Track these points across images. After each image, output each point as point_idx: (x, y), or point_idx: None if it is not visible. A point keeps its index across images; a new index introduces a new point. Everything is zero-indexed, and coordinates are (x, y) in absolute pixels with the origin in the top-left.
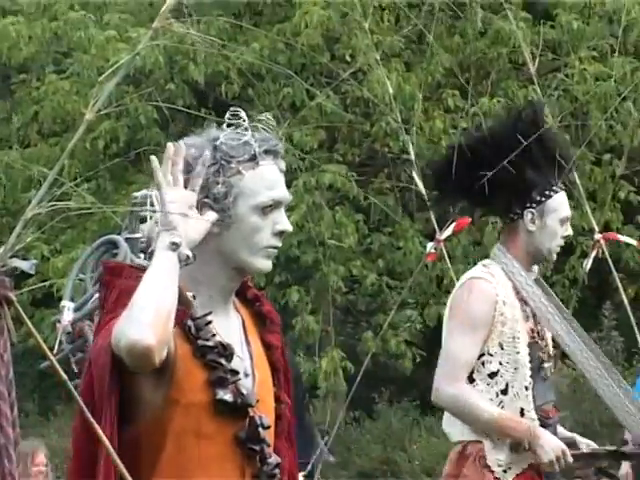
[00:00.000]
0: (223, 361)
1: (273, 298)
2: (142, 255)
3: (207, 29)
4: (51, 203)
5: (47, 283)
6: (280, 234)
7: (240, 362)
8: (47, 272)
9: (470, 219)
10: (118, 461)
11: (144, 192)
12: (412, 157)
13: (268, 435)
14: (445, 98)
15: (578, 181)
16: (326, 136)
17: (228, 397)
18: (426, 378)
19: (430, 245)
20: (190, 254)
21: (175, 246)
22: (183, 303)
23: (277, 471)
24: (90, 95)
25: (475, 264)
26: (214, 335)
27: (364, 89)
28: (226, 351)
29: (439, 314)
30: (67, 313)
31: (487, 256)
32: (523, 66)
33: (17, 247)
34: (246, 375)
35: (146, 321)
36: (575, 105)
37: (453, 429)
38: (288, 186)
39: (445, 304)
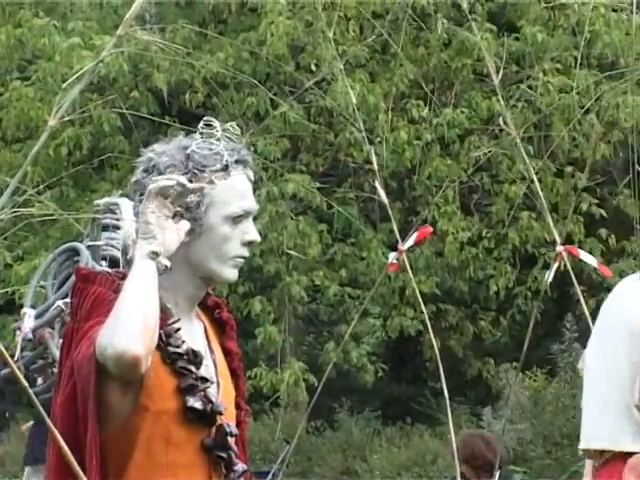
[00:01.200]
0: (193, 368)
1: (236, 308)
2: (103, 262)
3: (173, 37)
4: (13, 210)
5: (9, 290)
6: (249, 244)
7: (206, 370)
8: (9, 279)
9: (432, 229)
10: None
11: (107, 200)
12: (375, 167)
13: (234, 442)
14: (409, 109)
15: (541, 193)
16: (290, 145)
17: (198, 405)
18: (387, 389)
19: (392, 255)
20: (168, 264)
21: (155, 255)
22: (162, 311)
23: (242, 479)
24: (54, 102)
25: (436, 275)
26: (183, 342)
27: (328, 99)
28: (196, 358)
29: (401, 326)
30: (28, 320)
31: (448, 267)
32: (487, 77)
33: None
34: (211, 383)
35: (134, 331)
36: (538, 117)
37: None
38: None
39: (406, 315)
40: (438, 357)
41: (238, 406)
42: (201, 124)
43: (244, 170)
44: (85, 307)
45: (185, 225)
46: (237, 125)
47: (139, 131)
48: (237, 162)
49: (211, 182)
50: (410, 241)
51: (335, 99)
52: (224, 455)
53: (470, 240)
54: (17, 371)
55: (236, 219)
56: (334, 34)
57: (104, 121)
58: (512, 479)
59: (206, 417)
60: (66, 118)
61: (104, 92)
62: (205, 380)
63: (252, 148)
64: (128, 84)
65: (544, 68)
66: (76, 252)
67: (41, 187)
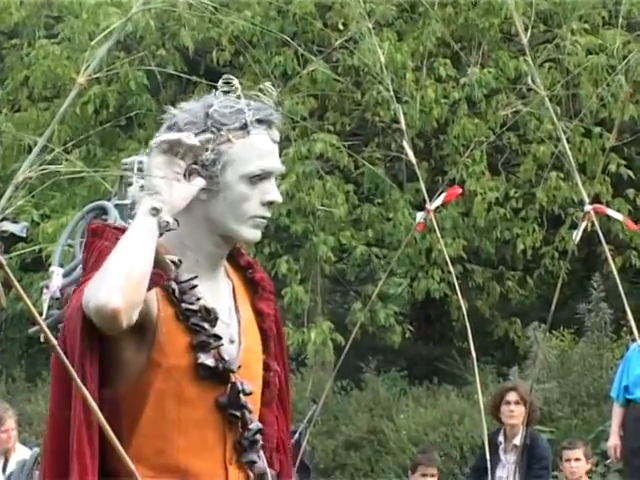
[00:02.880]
0: (206, 325)
1: (263, 268)
2: (131, 221)
3: None
4: (42, 167)
5: (36, 248)
6: (269, 204)
7: (225, 328)
8: (36, 237)
9: (460, 189)
10: (101, 417)
11: (134, 158)
12: (403, 126)
13: (250, 401)
14: (437, 67)
15: (569, 153)
16: (317, 105)
17: (209, 362)
18: (414, 349)
19: (420, 215)
20: (171, 220)
21: (155, 211)
22: (161, 266)
23: (258, 437)
24: (80, 60)
25: (463, 236)
26: (198, 299)
27: (356, 57)
28: (209, 315)
29: (427, 288)
30: (56, 278)
31: (475, 228)
32: (515, 37)
33: (8, 211)
34: (231, 341)
35: (115, 284)
36: (566, 77)
37: None
38: (280, 155)
39: (433, 278)
40: (466, 318)
41: (267, 367)
42: (220, 82)
43: (267, 130)
44: (91, 261)
45: (199, 182)
46: (263, 84)
47: (166, 90)
48: (259, 121)
49: (228, 140)
50: (438, 201)
51: (363, 58)
52: (237, 413)
53: (497, 200)
54: (45, 329)
55: (254, 178)
56: None
57: (131, 79)
58: (539, 438)
59: (218, 375)
60: (94, 76)
61: (131, 50)
62: (218, 338)
63: (279, 107)
64: (155, 42)
65: (572, 28)
66: (104, 211)
67: (68, 145)
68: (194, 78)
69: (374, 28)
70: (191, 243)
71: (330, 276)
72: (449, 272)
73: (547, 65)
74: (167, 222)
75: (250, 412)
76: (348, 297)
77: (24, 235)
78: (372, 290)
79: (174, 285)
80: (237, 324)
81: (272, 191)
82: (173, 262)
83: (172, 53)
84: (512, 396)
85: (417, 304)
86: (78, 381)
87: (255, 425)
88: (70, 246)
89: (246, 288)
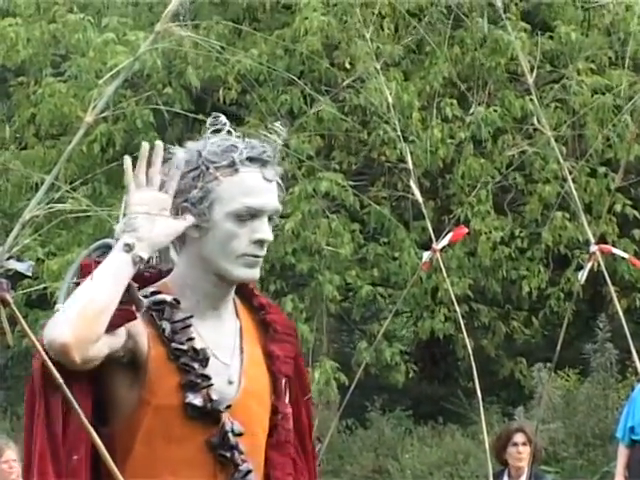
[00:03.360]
0: (196, 365)
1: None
2: None
3: (206, 34)
4: (49, 205)
5: (42, 286)
6: (260, 242)
7: (224, 368)
8: (42, 274)
9: (467, 229)
10: (104, 451)
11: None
12: (410, 165)
13: (246, 443)
14: (443, 107)
15: (575, 193)
16: (323, 144)
17: (197, 401)
18: (419, 388)
19: (426, 254)
20: (145, 256)
21: (128, 247)
22: (135, 302)
23: (250, 478)
24: (87, 98)
25: (469, 275)
26: (190, 339)
27: (362, 97)
28: (199, 355)
29: (432, 328)
30: None
31: (481, 267)
32: (521, 76)
33: (14, 249)
34: (230, 382)
35: (66, 319)
36: (572, 117)
37: None
38: (285, 194)
39: (438, 318)
40: (471, 357)
41: (275, 410)
42: (209, 120)
43: (260, 168)
44: None
45: (188, 220)
46: (269, 123)
47: (172, 128)
48: (251, 159)
49: (216, 178)
50: (444, 241)
51: (369, 97)
52: (227, 454)
53: (503, 240)
54: (51, 365)
55: (241, 216)
56: (370, 32)
57: (137, 117)
58: (544, 479)
59: (207, 414)
60: (103, 115)
61: (137, 88)
62: (208, 378)
63: (285, 146)
64: (162, 80)
65: (578, 68)
66: (110, 248)
67: (76, 183)
68: (200, 117)
69: (381, 68)
70: (191, 282)
71: (335, 315)
72: (455, 311)
73: (553, 105)
74: (141, 258)
75: (241, 453)
76: (353, 336)
77: (30, 274)
78: (377, 329)
79: (166, 325)
80: (239, 365)
81: (262, 229)
82: (170, 302)
83: (179, 91)
84: (520, 437)
85: (422, 343)
86: (82, 416)
87: (245, 467)
88: (77, 284)
89: (257, 329)
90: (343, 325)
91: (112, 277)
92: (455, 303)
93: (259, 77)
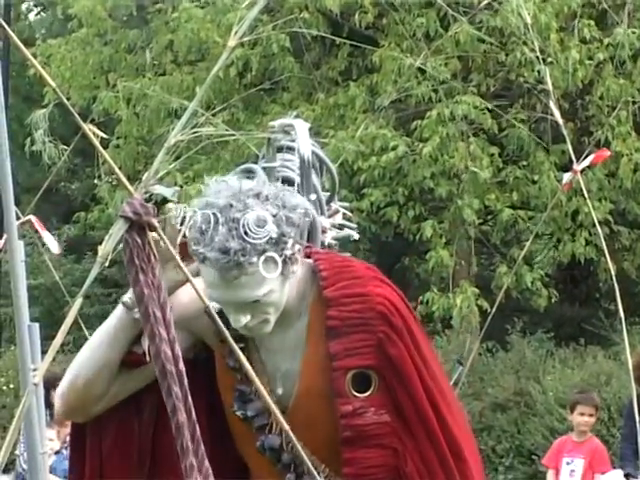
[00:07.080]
0: (244, 387)
1: (407, 231)
2: (278, 184)
3: None
4: (193, 130)
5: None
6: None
7: (290, 366)
8: (181, 200)
9: (609, 152)
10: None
11: (282, 121)
12: (549, 86)
13: (306, 440)
14: (581, 28)
15: None
16: (461, 66)
17: (239, 413)
18: (560, 310)
19: (567, 175)
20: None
21: (124, 304)
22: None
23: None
24: (224, 23)
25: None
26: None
27: (499, 18)
28: (244, 397)
29: (572, 252)
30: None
31: (622, 189)
32: None
33: (160, 174)
34: (284, 386)
35: (61, 392)
36: None
37: None
38: (422, 117)
39: (579, 242)
40: (614, 280)
41: (337, 408)
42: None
43: (219, 271)
44: None
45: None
46: (407, 46)
47: (309, 52)
48: (204, 259)
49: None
50: (585, 162)
51: (506, 19)
52: (274, 459)
53: None
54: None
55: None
56: None
57: (273, 42)
58: None
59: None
60: (245, 39)
61: (274, 13)
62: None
63: (420, 70)
64: (298, 5)
65: None
66: (252, 172)
67: (217, 111)
68: (338, 40)
69: None
70: None
71: (475, 239)
72: (595, 234)
73: None
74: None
75: (292, 458)
76: (493, 260)
77: (175, 199)
78: (517, 253)
79: (230, 362)
80: (299, 365)
81: (233, 319)
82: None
83: (315, 16)
84: None
85: (562, 266)
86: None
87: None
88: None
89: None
90: (483, 249)
91: (106, 335)
92: (597, 225)
93: (395, 0)
